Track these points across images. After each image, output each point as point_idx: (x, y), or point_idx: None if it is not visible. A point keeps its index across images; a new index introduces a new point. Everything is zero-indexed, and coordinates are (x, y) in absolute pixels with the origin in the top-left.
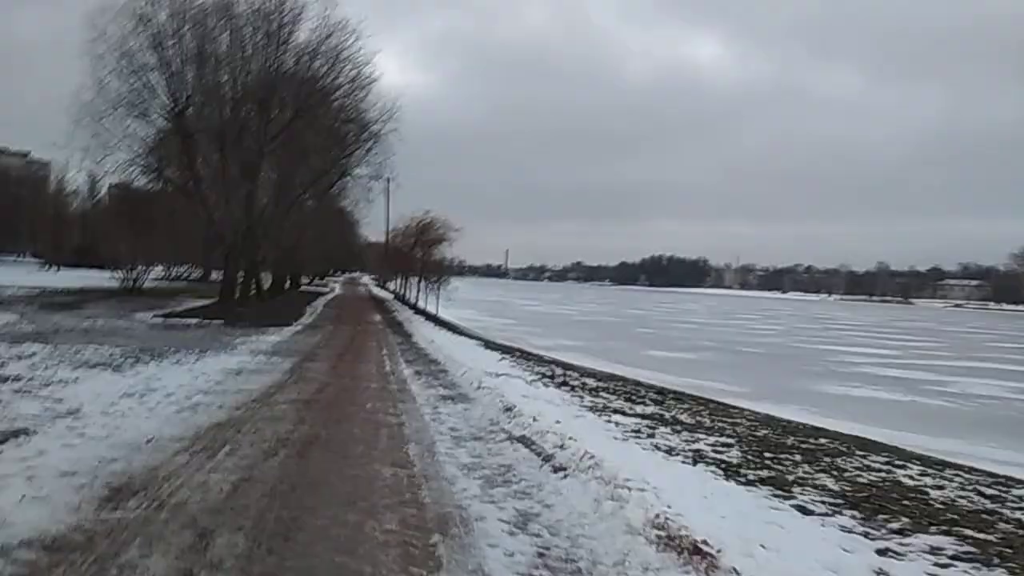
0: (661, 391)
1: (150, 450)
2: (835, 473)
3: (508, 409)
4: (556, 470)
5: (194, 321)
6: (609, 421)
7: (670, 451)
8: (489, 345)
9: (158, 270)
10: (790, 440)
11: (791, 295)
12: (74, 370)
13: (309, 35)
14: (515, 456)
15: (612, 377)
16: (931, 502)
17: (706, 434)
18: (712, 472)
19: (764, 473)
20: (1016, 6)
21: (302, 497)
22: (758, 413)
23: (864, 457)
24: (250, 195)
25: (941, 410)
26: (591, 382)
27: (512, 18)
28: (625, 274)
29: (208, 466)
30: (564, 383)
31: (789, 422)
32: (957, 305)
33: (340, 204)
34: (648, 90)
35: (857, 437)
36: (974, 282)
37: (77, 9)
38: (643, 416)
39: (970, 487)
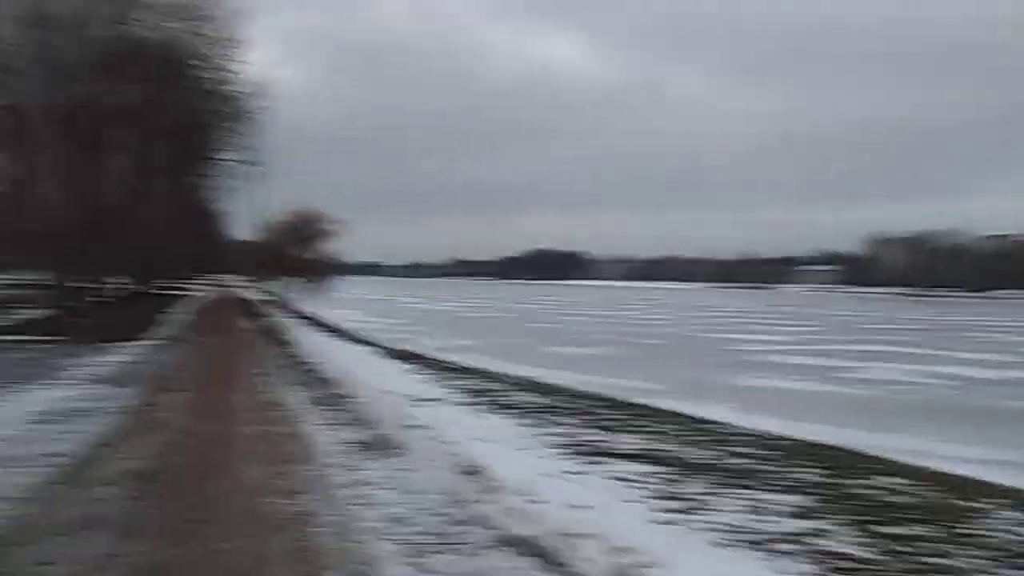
0: (611, 403)
1: None
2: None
3: (470, 472)
4: None
5: (14, 339)
6: (618, 479)
7: (755, 543)
8: (391, 354)
9: None
10: (857, 488)
11: (664, 284)
12: None
13: None
14: None
15: (537, 386)
16: None
17: (762, 489)
18: None
19: None
20: (859, 14)
21: None
22: (743, 429)
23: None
24: (93, 182)
25: (867, 400)
26: (533, 399)
27: (371, 16)
28: (505, 268)
29: None
30: (507, 406)
31: (796, 442)
32: (814, 290)
33: (203, 195)
34: (513, 87)
35: (920, 470)
36: (827, 267)
37: None
38: (643, 458)
39: None
